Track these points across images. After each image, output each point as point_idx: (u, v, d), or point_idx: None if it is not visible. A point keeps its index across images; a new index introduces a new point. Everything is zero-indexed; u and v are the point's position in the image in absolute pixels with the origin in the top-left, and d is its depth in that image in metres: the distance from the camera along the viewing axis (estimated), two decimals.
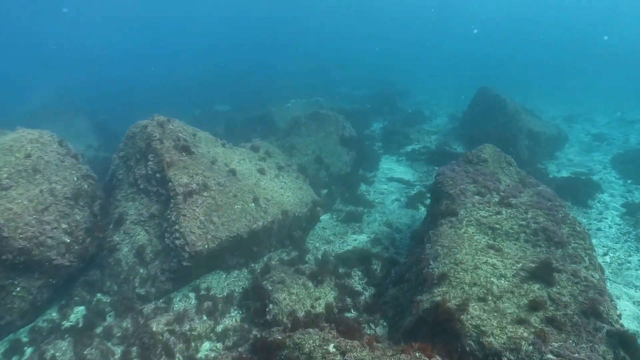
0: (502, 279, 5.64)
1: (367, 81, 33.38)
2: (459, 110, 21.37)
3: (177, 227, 7.25)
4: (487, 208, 7.18)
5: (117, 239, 8.86)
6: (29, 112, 24.38)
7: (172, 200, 7.59)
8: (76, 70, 40.15)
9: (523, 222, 6.72)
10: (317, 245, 9.45)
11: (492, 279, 5.65)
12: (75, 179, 9.13)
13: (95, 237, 9.03)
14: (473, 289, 5.54)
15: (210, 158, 8.81)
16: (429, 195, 10.40)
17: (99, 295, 8.69)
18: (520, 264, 5.86)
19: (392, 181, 13.02)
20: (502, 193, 7.56)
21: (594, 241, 8.20)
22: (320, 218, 10.55)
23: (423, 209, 10.99)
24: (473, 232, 6.69)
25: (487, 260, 5.95)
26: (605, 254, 8.69)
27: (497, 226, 6.73)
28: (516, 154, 13.22)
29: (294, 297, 6.61)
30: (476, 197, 7.52)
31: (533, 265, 5.77)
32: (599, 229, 9.82)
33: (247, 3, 64.12)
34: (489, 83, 19.27)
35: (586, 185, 11.79)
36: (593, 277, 5.61)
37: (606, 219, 10.35)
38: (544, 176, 13.00)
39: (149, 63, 44.17)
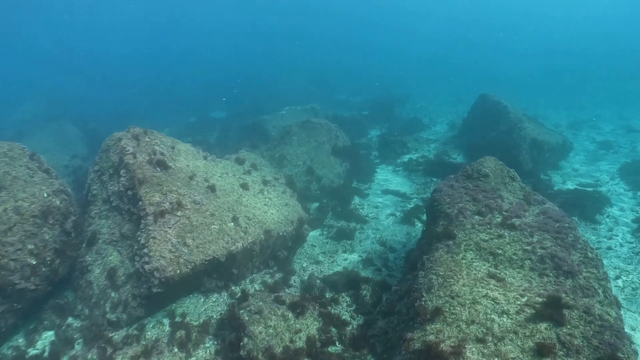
0: (504, 316, 4.95)
1: (366, 87, 32.88)
2: (458, 117, 20.72)
3: (146, 250, 6.61)
4: (488, 230, 6.50)
5: (89, 259, 8.25)
6: (20, 119, 24.00)
7: (142, 221, 6.97)
8: (73, 73, 40.04)
9: (528, 247, 6.03)
10: (305, 265, 8.78)
11: (492, 315, 4.96)
12: (45, 195, 8.53)
13: (66, 257, 8.43)
14: (471, 327, 4.85)
15: (189, 173, 8.19)
16: (426, 207, 9.72)
17: (70, 319, 8.07)
18: (525, 298, 5.16)
19: (388, 194, 12.34)
20: (504, 213, 6.88)
21: (604, 262, 7.49)
22: (310, 234, 9.88)
23: (419, 224, 10.30)
24: (472, 258, 6.01)
25: (487, 293, 5.26)
26: (617, 277, 7.95)
27: (499, 251, 6.05)
28: (519, 164, 12.55)
29: (271, 330, 5.93)
30: (476, 217, 6.84)
31: (540, 299, 5.08)
32: (609, 248, 9.09)
33: (248, 9, 64.26)
34: (490, 89, 18.67)
35: (594, 199, 11.07)
36: (609, 314, 4.91)
37: (617, 236, 9.61)
38: (548, 188, 12.30)
39: (152, 66, 44.02)
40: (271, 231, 7.84)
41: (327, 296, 7.49)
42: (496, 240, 6.28)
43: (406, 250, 9.02)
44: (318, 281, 7.80)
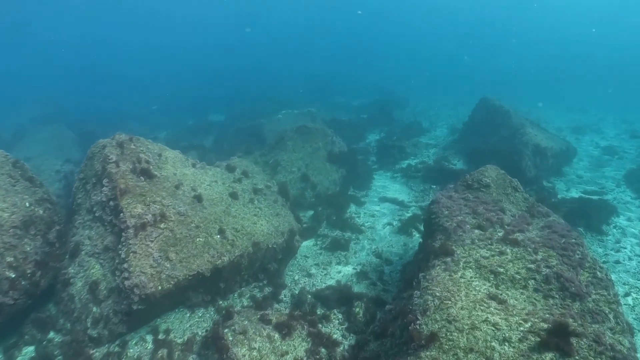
0: (506, 344, 4.54)
1: (366, 90, 32.50)
2: (459, 121, 20.31)
3: (126, 265, 6.25)
4: (488, 246, 6.10)
5: (72, 271, 7.91)
6: (18, 122, 23.77)
7: (123, 234, 6.61)
8: (72, 74, 39.90)
9: (532, 266, 5.62)
10: (296, 278, 8.38)
11: (493, 343, 4.55)
12: (27, 204, 8.20)
13: (49, 269, 8.08)
14: (469, 356, 4.44)
15: (176, 182, 7.83)
16: (423, 219, 9.32)
17: (52, 333, 7.73)
18: (529, 324, 4.75)
19: (385, 201, 11.93)
20: (506, 227, 6.47)
21: (612, 277, 7.05)
22: (303, 244, 9.49)
23: (417, 235, 9.89)
24: (471, 277, 5.60)
25: (487, 317, 4.85)
26: (627, 294, 7.51)
27: (501, 270, 5.64)
28: (521, 171, 12.14)
29: (255, 353, 5.54)
30: (476, 231, 6.44)
31: (545, 325, 4.67)
32: (617, 262, 8.65)
33: (249, 10, 64.17)
34: (491, 90, 18.28)
35: (600, 208, 10.63)
36: (621, 343, 4.49)
37: (625, 248, 9.16)
38: (552, 196, 11.87)
39: (151, 68, 43.90)
40: (260, 243, 7.46)
41: (319, 313, 7.10)
42: (497, 257, 5.87)
43: (403, 263, 8.62)
44: (309, 296, 7.41)
